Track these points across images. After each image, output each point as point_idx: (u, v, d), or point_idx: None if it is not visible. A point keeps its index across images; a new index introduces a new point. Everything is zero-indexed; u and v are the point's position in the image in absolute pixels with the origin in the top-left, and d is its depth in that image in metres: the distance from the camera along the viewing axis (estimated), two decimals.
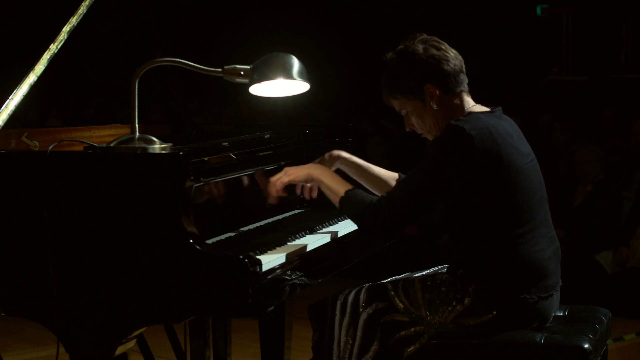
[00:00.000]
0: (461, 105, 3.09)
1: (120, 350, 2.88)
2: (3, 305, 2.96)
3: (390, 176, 3.44)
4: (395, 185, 3.09)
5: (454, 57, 3.08)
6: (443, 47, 3.08)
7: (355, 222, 3.12)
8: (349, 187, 3.12)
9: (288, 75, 3.09)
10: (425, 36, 3.11)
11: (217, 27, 11.98)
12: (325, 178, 3.17)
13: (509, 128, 3.07)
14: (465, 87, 3.11)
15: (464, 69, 3.10)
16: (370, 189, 3.40)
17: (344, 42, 12.10)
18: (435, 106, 3.07)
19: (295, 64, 3.12)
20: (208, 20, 12.12)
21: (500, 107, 3.13)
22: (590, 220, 6.47)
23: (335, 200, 3.12)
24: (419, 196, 2.99)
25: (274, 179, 3.18)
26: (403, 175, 3.37)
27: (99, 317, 2.84)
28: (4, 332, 5.75)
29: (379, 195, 3.16)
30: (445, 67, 3.05)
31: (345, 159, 3.43)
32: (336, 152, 3.44)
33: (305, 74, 3.15)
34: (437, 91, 3.06)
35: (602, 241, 6.44)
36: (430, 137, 3.18)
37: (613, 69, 11.94)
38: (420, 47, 3.06)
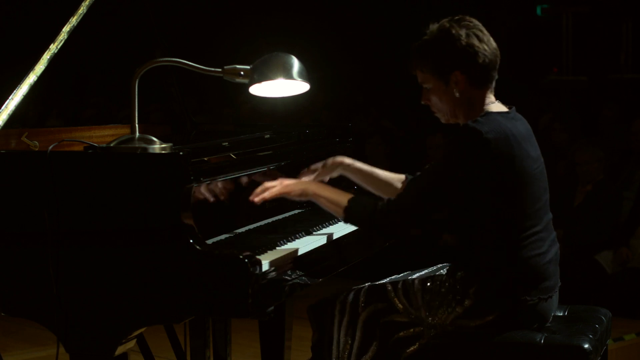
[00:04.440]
0: (482, 100, 3.06)
1: (120, 350, 2.88)
2: (3, 305, 2.96)
3: (397, 178, 3.37)
4: (406, 186, 3.06)
5: (491, 52, 3.03)
6: (485, 39, 3.03)
7: (364, 228, 3.10)
8: (349, 195, 3.08)
9: (288, 75, 3.09)
10: (472, 22, 3.04)
11: (217, 27, 11.98)
12: (322, 192, 3.12)
13: (523, 130, 3.04)
14: (492, 84, 3.07)
15: (497, 66, 3.06)
16: (377, 194, 3.35)
17: (344, 42, 12.10)
18: (457, 94, 3.04)
19: (295, 64, 3.12)
20: (208, 20, 12.12)
21: (514, 107, 3.11)
22: (590, 220, 6.47)
23: (339, 212, 3.07)
24: (430, 196, 2.96)
25: (268, 184, 3.14)
26: (410, 177, 3.31)
27: (99, 317, 2.84)
28: (4, 332, 5.75)
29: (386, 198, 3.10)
30: (481, 60, 3.01)
31: (347, 165, 3.36)
32: (339, 158, 3.37)
33: (305, 74, 3.15)
34: (464, 80, 3.03)
35: (602, 241, 6.44)
36: (442, 119, 3.14)
37: (613, 69, 11.95)
38: (463, 33, 3.01)
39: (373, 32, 11.85)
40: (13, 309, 2.97)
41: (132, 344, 2.98)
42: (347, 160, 3.38)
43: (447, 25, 3.04)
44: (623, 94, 10.40)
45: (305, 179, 3.33)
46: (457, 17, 3.06)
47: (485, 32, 3.05)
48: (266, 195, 3.10)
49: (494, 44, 3.05)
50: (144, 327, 2.91)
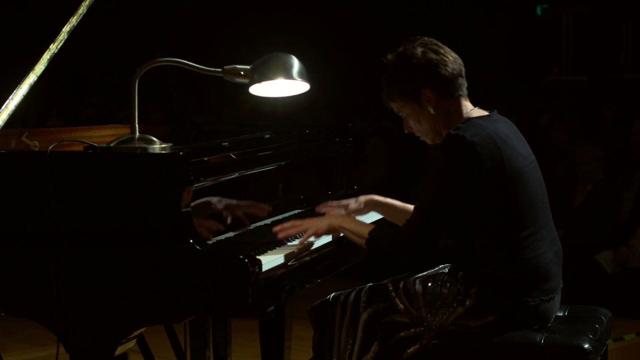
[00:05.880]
0: (459, 109, 3.07)
1: (120, 350, 2.88)
2: (3, 305, 2.96)
3: None
4: (414, 208, 3.09)
5: (452, 61, 3.05)
6: (442, 51, 3.05)
7: (389, 252, 3.11)
8: (371, 226, 3.14)
9: (288, 75, 3.09)
10: (425, 39, 3.08)
11: (217, 27, 11.98)
12: (346, 224, 3.18)
13: (507, 130, 3.05)
14: (464, 91, 3.09)
15: (463, 73, 3.08)
16: None
17: (344, 42, 12.10)
18: (432, 110, 3.06)
19: (295, 64, 3.11)
20: (208, 20, 12.12)
21: (495, 110, 3.12)
22: (590, 220, 6.47)
23: (362, 243, 3.12)
24: (438, 209, 2.98)
25: (296, 222, 3.17)
26: None
27: (99, 317, 2.84)
28: (4, 332, 5.75)
29: None
30: (443, 71, 3.03)
31: (379, 203, 3.43)
32: (369, 198, 3.43)
33: (305, 74, 3.15)
34: (435, 96, 3.04)
35: (602, 241, 6.44)
36: (428, 141, 3.17)
37: (613, 69, 11.95)
38: (418, 51, 3.04)
39: (373, 32, 11.85)
40: (13, 309, 2.97)
41: (132, 344, 2.98)
42: (378, 198, 3.44)
43: (402, 49, 3.08)
44: (623, 94, 10.40)
45: (335, 212, 3.40)
46: (410, 40, 3.09)
47: (442, 45, 3.08)
48: (292, 231, 3.14)
49: (453, 54, 3.08)
50: (144, 327, 2.91)
